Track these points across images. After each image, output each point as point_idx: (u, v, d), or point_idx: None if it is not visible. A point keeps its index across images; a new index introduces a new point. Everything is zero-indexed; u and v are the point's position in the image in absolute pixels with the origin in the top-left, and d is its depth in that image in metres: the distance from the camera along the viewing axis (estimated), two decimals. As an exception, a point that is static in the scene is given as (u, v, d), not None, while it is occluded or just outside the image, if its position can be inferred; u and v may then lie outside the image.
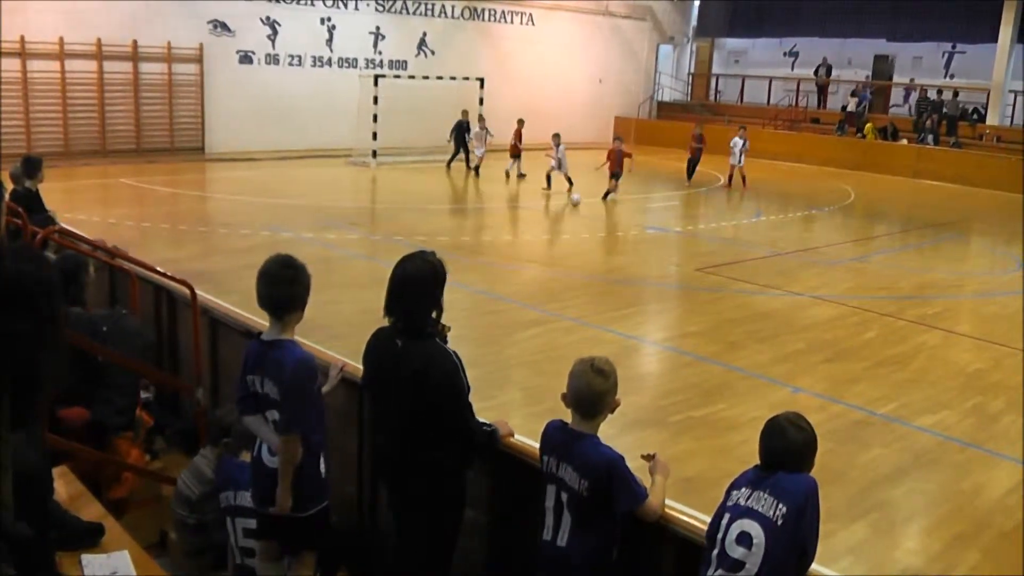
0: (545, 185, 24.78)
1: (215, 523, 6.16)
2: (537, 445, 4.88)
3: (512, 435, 5.43)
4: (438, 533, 5.18)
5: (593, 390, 4.53)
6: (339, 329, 10.03)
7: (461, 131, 28.68)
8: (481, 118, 28.41)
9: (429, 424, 4.92)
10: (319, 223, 18.24)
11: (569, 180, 24.32)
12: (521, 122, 27.98)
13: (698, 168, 27.91)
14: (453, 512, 5.19)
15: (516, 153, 27.34)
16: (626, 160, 23.36)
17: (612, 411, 4.64)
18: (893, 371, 11.32)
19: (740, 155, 27.03)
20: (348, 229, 18.06)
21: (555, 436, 4.72)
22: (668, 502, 4.73)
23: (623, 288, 14.91)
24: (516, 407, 9.37)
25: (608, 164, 23.32)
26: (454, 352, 4.93)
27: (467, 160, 28.73)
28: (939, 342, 12.61)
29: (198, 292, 8.63)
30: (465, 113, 28.79)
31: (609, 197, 22.86)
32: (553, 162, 24.78)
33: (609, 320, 12.70)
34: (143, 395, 8.49)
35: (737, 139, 27.25)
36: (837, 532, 7.03)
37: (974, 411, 10.12)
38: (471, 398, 5.03)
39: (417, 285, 4.90)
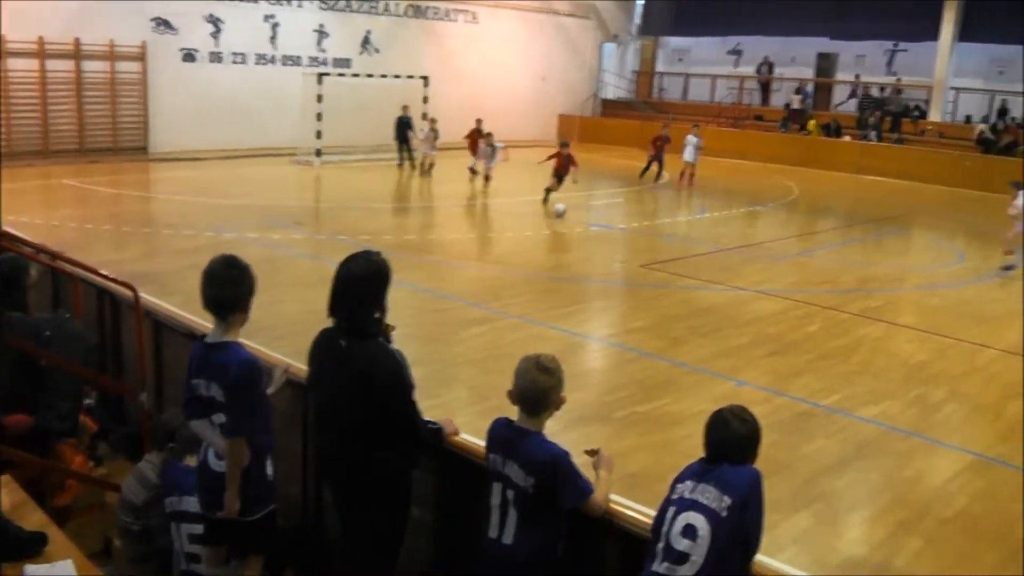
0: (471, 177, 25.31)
1: (160, 529, 6.07)
2: (483, 443, 4.86)
3: (457, 433, 5.41)
4: (384, 532, 5.14)
5: (538, 387, 4.52)
6: (283, 329, 9.92)
7: (403, 127, 28.57)
8: (432, 119, 28.00)
9: (374, 424, 4.88)
10: (264, 223, 18.08)
11: (487, 177, 24.91)
12: (479, 121, 27.60)
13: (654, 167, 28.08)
14: (398, 511, 5.15)
15: (476, 151, 26.93)
16: (572, 169, 22.83)
17: (557, 408, 4.63)
18: (836, 363, 11.40)
19: (695, 152, 27.10)
20: (293, 228, 17.92)
21: (501, 433, 4.70)
22: (613, 497, 4.72)
23: (568, 285, 14.91)
24: (462, 405, 9.32)
25: (554, 163, 22.99)
26: (398, 351, 4.91)
27: (410, 157, 28.65)
28: (882, 334, 12.73)
29: (141, 294, 8.52)
30: (405, 109, 28.67)
31: (549, 198, 22.64)
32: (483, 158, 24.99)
33: (554, 317, 12.68)
34: (86, 400, 8.37)
35: (691, 136, 27.31)
36: (781, 523, 7.06)
37: (916, 401, 10.23)
38: (416, 397, 4.99)
39: (361, 285, 4.88)
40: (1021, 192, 17.13)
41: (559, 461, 4.48)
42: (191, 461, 5.64)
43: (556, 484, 4.46)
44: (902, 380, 10.92)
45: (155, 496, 6.14)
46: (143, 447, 7.30)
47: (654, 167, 28.14)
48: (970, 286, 16.14)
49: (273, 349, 7.27)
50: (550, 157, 23.35)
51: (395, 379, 4.84)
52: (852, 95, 38.28)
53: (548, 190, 22.61)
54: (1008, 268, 16.95)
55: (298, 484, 6.57)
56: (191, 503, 5.51)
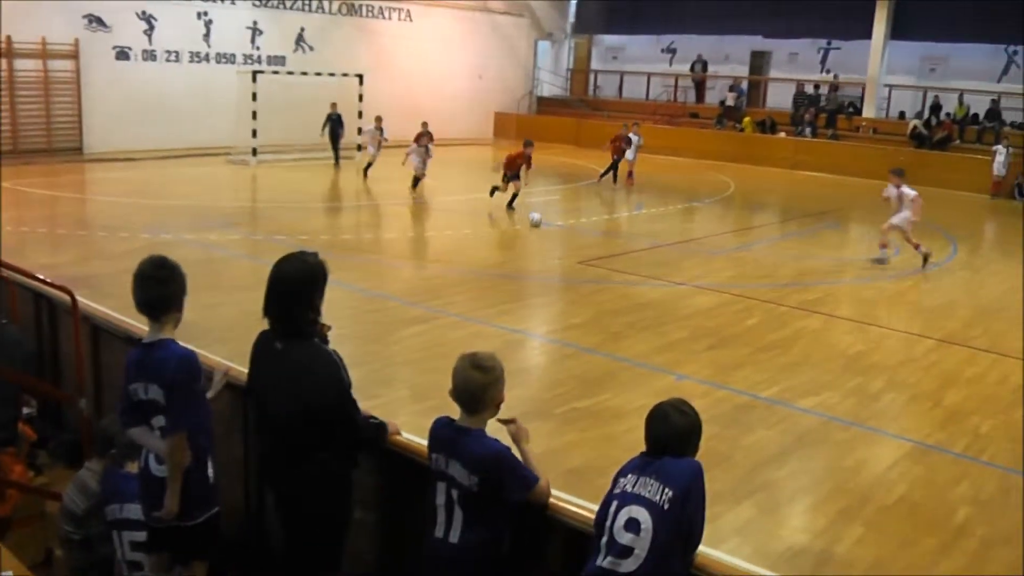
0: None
1: (101, 538, 5.99)
2: (425, 442, 4.82)
3: (399, 433, 5.36)
4: (326, 534, 5.11)
5: (473, 385, 4.50)
6: (222, 332, 9.80)
7: (333, 125, 28.39)
8: (378, 118, 27.39)
9: (312, 425, 4.86)
10: (200, 224, 17.85)
11: (416, 179, 24.08)
12: (424, 124, 26.72)
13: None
14: (340, 512, 5.13)
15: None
16: (524, 169, 21.99)
17: (497, 406, 4.59)
18: (775, 355, 11.45)
19: (635, 151, 27.13)
20: (229, 229, 17.71)
21: (442, 433, 4.67)
22: (556, 492, 4.73)
23: (506, 283, 14.85)
24: (402, 404, 9.23)
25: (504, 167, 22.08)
26: (334, 352, 4.90)
27: (336, 155, 28.52)
28: (820, 326, 12.81)
29: (78, 298, 8.35)
30: (334, 106, 28.49)
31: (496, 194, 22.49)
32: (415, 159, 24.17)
33: (493, 315, 12.63)
34: (26, 410, 8.24)
35: (631, 135, 27.32)
36: (723, 514, 7.06)
37: (855, 391, 10.30)
38: (354, 396, 4.97)
39: (295, 286, 4.86)
40: (894, 182, 17.08)
41: (501, 457, 4.49)
42: (132, 468, 5.59)
43: (501, 480, 4.46)
44: (841, 371, 10.99)
45: (96, 504, 6.06)
46: (83, 455, 7.19)
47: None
48: (906, 278, 16.31)
49: (212, 352, 7.16)
50: (512, 157, 22.10)
51: (331, 380, 4.82)
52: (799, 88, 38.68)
53: (495, 188, 22.08)
54: (878, 260, 16.96)
55: (240, 488, 6.48)
56: (133, 511, 5.46)
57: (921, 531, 7.24)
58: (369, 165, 26.81)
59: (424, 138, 24.30)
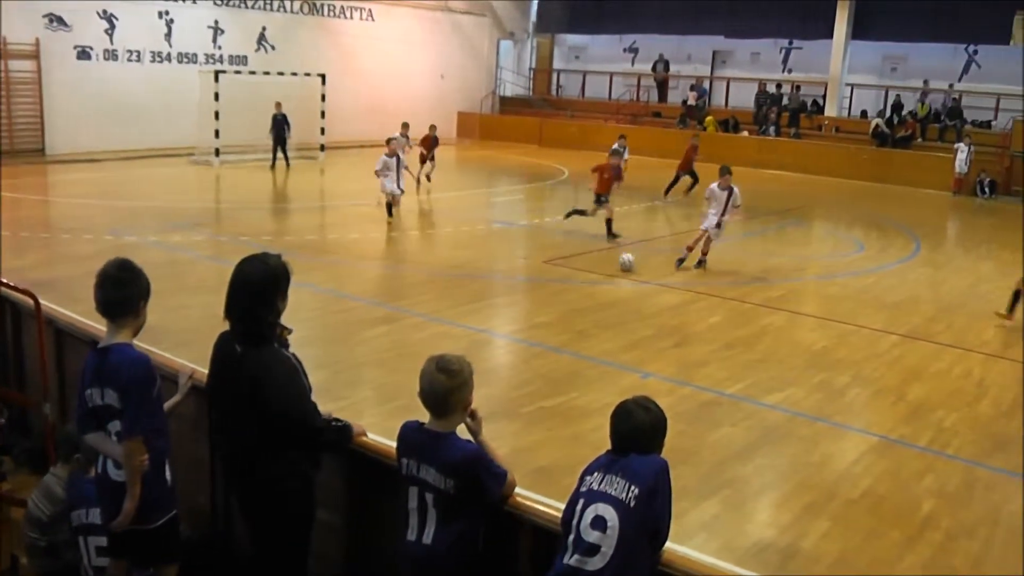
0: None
1: (67, 544, 5.94)
2: (393, 443, 4.79)
3: (364, 435, 5.33)
4: (288, 537, 5.08)
5: (438, 389, 4.45)
6: (187, 335, 9.69)
7: (279, 126, 27.97)
8: (405, 125, 25.47)
9: (270, 429, 4.82)
10: (164, 225, 17.71)
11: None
12: (433, 127, 26.08)
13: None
14: (302, 515, 5.09)
15: (424, 158, 25.32)
16: (616, 184, 19.20)
17: (464, 409, 4.56)
18: (740, 352, 11.49)
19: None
20: (193, 230, 17.58)
21: (412, 437, 4.63)
22: (523, 491, 4.73)
23: (472, 282, 14.82)
24: (369, 405, 9.21)
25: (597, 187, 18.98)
26: (293, 355, 4.89)
27: (277, 155, 28.11)
28: (784, 323, 12.88)
29: (42, 302, 8.25)
30: (279, 106, 28.05)
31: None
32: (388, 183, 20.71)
33: (459, 315, 12.60)
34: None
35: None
36: (690, 510, 7.08)
37: (820, 387, 10.35)
38: (317, 399, 4.95)
39: (254, 288, 4.82)
40: (720, 182, 16.37)
41: (477, 458, 4.48)
42: (98, 473, 5.52)
43: (479, 480, 4.44)
44: (805, 367, 11.05)
45: (62, 510, 6.01)
46: (48, 460, 7.11)
47: (684, 180, 25.78)
48: (869, 274, 16.41)
49: (177, 355, 7.10)
50: (597, 169, 19.07)
51: (288, 385, 4.80)
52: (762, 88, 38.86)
53: (581, 212, 19.25)
54: (680, 260, 16.26)
55: (206, 492, 6.43)
56: (98, 515, 5.40)
57: (886, 524, 7.28)
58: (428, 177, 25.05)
59: (395, 142, 20.65)
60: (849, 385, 10.55)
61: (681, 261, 16.10)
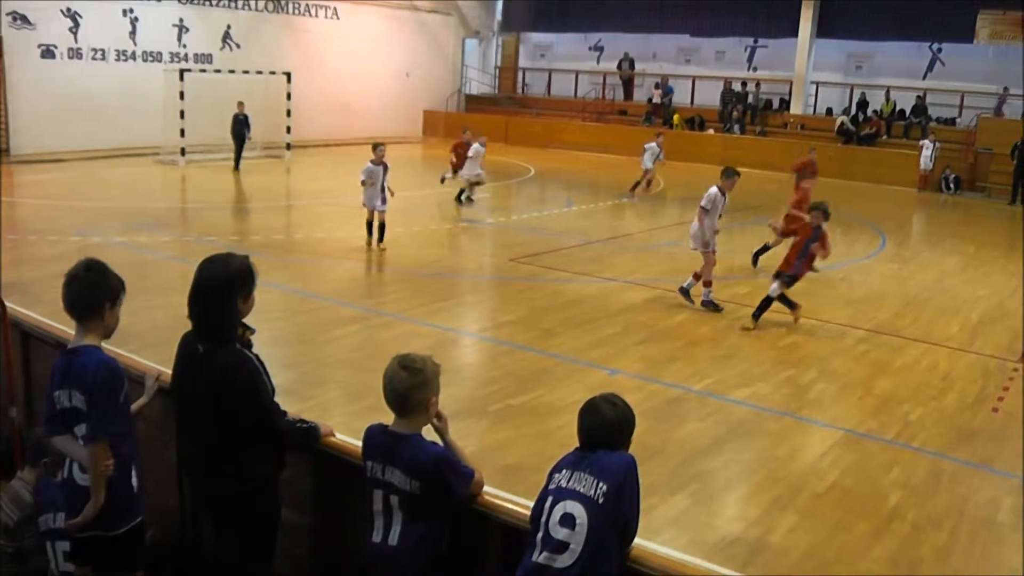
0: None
1: (35, 549, 5.88)
2: (360, 444, 4.75)
3: (332, 435, 5.29)
4: (253, 538, 5.05)
5: (399, 386, 4.41)
6: (153, 336, 9.61)
7: (240, 126, 27.69)
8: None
9: (232, 430, 4.80)
10: (130, 226, 17.58)
11: (471, 184, 22.35)
12: (466, 131, 24.05)
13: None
14: (266, 515, 5.06)
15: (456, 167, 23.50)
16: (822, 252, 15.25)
17: (428, 409, 4.49)
18: (707, 349, 11.55)
19: (651, 158, 25.62)
20: (159, 231, 17.46)
21: (377, 440, 4.58)
22: (492, 490, 4.72)
23: (439, 281, 14.79)
24: (336, 405, 9.18)
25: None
26: (255, 356, 4.85)
27: (237, 157, 27.87)
28: (750, 319, 12.85)
29: (8, 304, 8.17)
30: (240, 105, 27.74)
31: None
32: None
33: (426, 314, 12.59)
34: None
35: (653, 144, 25.96)
36: (658, 506, 7.11)
37: (787, 382, 10.44)
38: (284, 399, 4.94)
39: (214, 288, 4.78)
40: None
41: (442, 459, 4.44)
42: (67, 477, 5.46)
43: (444, 481, 4.41)
44: (772, 362, 11.12)
45: (30, 515, 5.93)
46: (14, 465, 7.03)
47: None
48: (836, 270, 16.45)
49: (143, 357, 7.05)
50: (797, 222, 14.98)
51: (249, 387, 4.77)
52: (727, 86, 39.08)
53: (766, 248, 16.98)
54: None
55: (174, 496, 6.38)
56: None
57: (854, 517, 7.34)
58: (475, 185, 23.04)
59: (381, 150, 17.34)
60: (816, 380, 10.62)
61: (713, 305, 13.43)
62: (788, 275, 12.55)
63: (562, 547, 4.07)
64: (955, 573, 6.72)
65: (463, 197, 22.47)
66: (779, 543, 6.88)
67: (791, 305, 12.76)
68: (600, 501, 4.08)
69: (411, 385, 4.40)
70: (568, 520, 4.09)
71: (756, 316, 12.57)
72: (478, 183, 22.71)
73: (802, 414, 9.53)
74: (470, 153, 22.45)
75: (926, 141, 30.52)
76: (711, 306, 13.27)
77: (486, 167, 23.17)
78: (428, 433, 4.53)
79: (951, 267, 17.59)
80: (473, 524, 4.66)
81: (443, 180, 24.03)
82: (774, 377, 10.56)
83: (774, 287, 12.54)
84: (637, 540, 4.30)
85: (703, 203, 13.51)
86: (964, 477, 8.31)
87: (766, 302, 12.56)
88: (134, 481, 5.05)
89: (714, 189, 13.64)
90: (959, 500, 7.82)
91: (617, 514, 4.11)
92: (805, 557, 6.71)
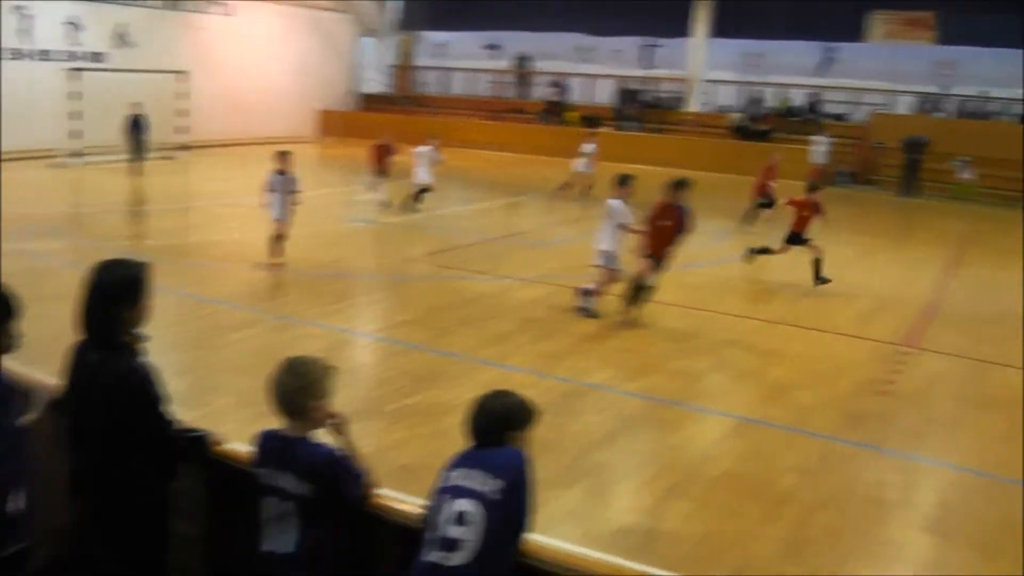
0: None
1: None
2: (254, 449, 4.68)
3: (219, 443, 5.20)
4: (143, 550, 4.93)
5: (283, 390, 4.35)
6: (46, 347, 9.32)
7: (135, 127, 26.47)
8: (433, 137, 22.79)
9: (121, 440, 4.68)
10: (22, 232, 17.10)
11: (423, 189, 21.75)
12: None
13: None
14: (156, 526, 4.95)
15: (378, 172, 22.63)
16: (817, 217, 16.17)
17: (318, 411, 4.42)
18: (600, 343, 11.64)
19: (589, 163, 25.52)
20: (53, 237, 17.04)
21: (268, 445, 4.52)
22: (386, 491, 4.68)
23: (335, 282, 14.69)
24: (230, 412, 9.00)
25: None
26: (145, 364, 4.72)
27: (139, 157, 26.66)
28: (647, 312, 12.94)
29: None
30: (136, 106, 26.60)
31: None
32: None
33: (322, 315, 12.50)
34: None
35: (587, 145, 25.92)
36: (553, 500, 7.11)
37: (681, 373, 10.56)
38: (178, 407, 4.85)
39: (106, 294, 4.67)
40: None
41: (332, 459, 4.39)
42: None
43: (336, 482, 4.37)
44: (666, 354, 11.25)
45: None
46: None
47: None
48: (730, 264, 16.67)
49: (35, 369, 6.87)
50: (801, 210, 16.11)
51: (140, 395, 4.65)
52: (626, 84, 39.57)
53: (764, 250, 16.61)
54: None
55: (67, 512, 6.23)
56: None
57: (746, 501, 7.49)
58: (423, 191, 22.16)
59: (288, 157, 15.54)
60: (709, 370, 10.78)
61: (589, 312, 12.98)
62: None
63: (455, 545, 4.06)
64: (846, 550, 6.87)
65: (416, 198, 21.56)
66: (674, 530, 6.96)
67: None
68: (493, 497, 4.07)
69: (296, 388, 4.35)
70: (462, 518, 4.08)
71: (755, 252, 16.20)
72: (428, 189, 21.89)
73: (696, 403, 9.67)
74: (417, 158, 21.54)
75: (820, 137, 31.25)
76: (588, 313, 12.88)
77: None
78: (327, 435, 4.48)
79: (845, 258, 17.89)
80: (367, 526, 4.62)
81: (380, 197, 21.75)
82: (668, 368, 10.68)
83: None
84: (531, 534, 4.29)
85: (620, 220, 13.02)
86: (854, 457, 8.55)
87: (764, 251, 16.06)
88: (19, 503, 4.88)
89: (617, 202, 13.18)
90: (849, 481, 8.04)
91: (510, 510, 4.11)
92: (700, 543, 6.80)
